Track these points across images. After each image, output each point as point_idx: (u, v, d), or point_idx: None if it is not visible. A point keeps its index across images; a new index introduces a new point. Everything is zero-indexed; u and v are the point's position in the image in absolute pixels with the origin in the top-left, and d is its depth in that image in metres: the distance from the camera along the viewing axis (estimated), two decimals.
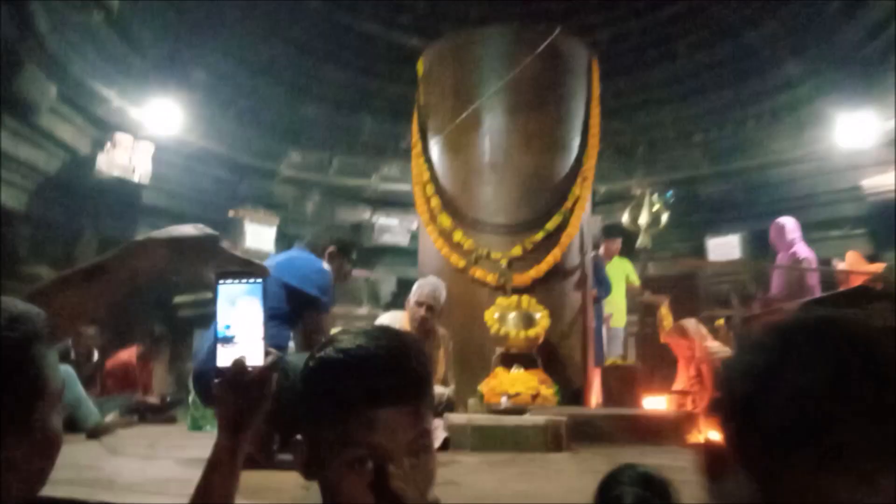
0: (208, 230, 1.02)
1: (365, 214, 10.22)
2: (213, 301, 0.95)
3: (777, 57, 7.95)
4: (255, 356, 0.96)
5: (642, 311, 6.42)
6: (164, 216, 8.23)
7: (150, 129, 7.46)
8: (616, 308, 6.71)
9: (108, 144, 7.16)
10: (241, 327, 0.96)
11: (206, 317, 6.93)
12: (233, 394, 0.96)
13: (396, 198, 10.11)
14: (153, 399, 5.66)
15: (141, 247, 0.99)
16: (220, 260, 1.00)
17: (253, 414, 0.98)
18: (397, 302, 9.88)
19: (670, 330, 6.24)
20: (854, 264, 6.72)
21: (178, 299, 8.20)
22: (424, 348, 0.91)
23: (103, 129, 7.23)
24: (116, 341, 6.74)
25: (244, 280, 0.97)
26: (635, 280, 6.88)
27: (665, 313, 6.82)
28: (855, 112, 7.20)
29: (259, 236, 8.59)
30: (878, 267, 6.50)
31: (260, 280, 0.97)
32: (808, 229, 6.71)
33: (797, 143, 8.21)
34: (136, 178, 7.38)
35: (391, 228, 10.18)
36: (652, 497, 1.52)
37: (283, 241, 9.15)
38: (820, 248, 6.66)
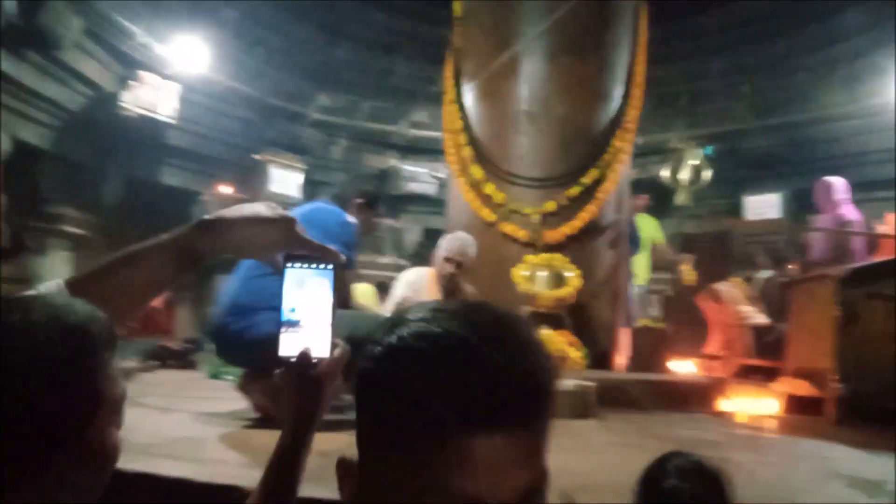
0: (283, 211, 0.92)
1: (392, 161, 10.03)
2: (280, 283, 0.88)
3: (836, 4, 7.46)
4: (322, 346, 0.88)
5: (671, 270, 6.20)
6: (189, 157, 8.14)
7: (176, 67, 7.28)
8: (639, 266, 6.50)
9: (134, 82, 7.00)
10: (307, 313, 0.88)
11: (228, 261, 6.90)
12: (297, 388, 0.91)
13: (425, 144, 9.88)
14: (174, 344, 5.62)
15: (209, 226, 0.89)
16: (294, 243, 0.90)
17: (318, 411, 0.93)
18: (422, 253, 9.74)
19: (703, 293, 6.05)
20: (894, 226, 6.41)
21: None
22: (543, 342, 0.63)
23: (129, 66, 7.07)
24: None
25: (314, 265, 0.89)
26: (661, 238, 6.65)
27: (686, 270, 6.63)
28: None
29: (285, 181, 8.47)
30: None
31: (331, 266, 0.89)
32: (856, 190, 6.37)
33: (850, 98, 7.78)
34: (161, 117, 7.23)
35: (419, 176, 9.98)
36: (708, 493, 1.37)
37: (309, 187, 9.03)
38: (867, 210, 6.34)
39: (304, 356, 0.87)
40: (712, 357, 5.90)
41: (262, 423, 2.67)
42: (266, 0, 8.05)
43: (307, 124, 9.30)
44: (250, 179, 8.39)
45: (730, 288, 5.69)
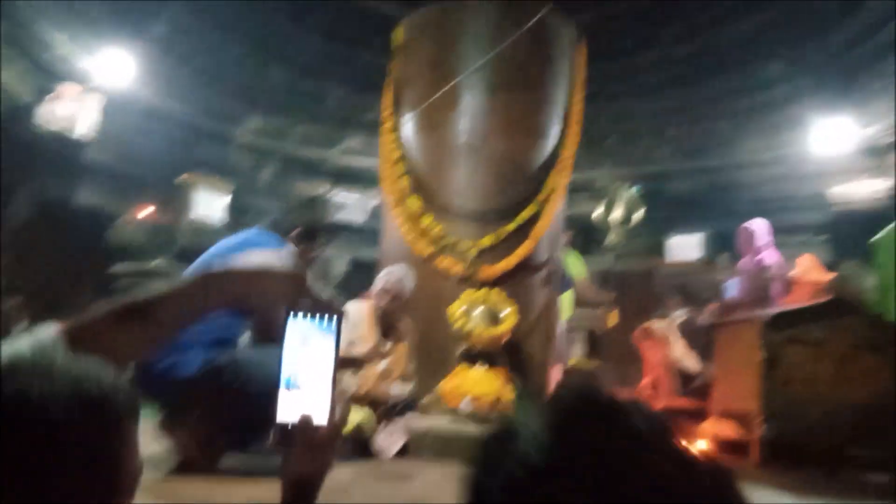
0: (293, 264, 0.89)
1: (323, 188, 9.85)
2: (280, 338, 0.84)
3: (759, 55, 7.82)
4: (322, 409, 0.85)
5: (594, 307, 6.27)
6: (108, 176, 7.74)
7: (99, 81, 6.94)
8: (564, 303, 6.55)
9: (52, 94, 6.63)
10: (308, 372, 0.85)
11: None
12: (298, 456, 0.87)
13: (357, 173, 9.77)
14: None
15: (218, 279, 0.86)
16: (300, 296, 0.87)
17: (319, 477, 0.89)
18: (349, 284, 9.56)
19: (638, 330, 6.14)
20: (809, 268, 6.69)
21: (116, 268, 7.74)
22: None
23: (48, 77, 6.70)
24: (46, 316, 6.27)
25: (317, 319, 0.85)
26: (582, 274, 6.73)
27: (608, 310, 6.73)
28: (832, 117, 7.15)
29: (210, 204, 8.16)
30: (828, 276, 6.51)
31: (336, 321, 0.86)
32: (775, 234, 6.64)
33: (770, 145, 8.16)
34: (79, 134, 6.87)
35: (349, 205, 9.83)
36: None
37: (235, 211, 8.74)
38: (785, 254, 6.60)
39: (306, 423, 0.82)
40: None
41: (185, 468, 2.48)
42: (199, 17, 7.80)
43: (235, 146, 9.03)
44: (173, 201, 8.06)
45: (665, 328, 5.78)
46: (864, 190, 6.97)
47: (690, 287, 7.90)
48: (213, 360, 2.39)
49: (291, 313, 0.84)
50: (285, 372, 0.84)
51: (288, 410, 0.83)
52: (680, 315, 6.70)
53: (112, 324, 0.80)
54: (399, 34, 5.29)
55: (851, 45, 6.98)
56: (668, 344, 5.67)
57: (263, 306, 0.86)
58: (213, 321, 2.55)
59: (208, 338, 2.45)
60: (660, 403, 5.65)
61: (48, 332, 0.75)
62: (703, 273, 7.71)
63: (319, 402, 0.84)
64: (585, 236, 7.39)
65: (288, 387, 0.84)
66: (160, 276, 7.56)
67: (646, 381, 6.05)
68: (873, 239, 4.93)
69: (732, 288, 6.82)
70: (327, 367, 0.85)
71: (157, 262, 7.68)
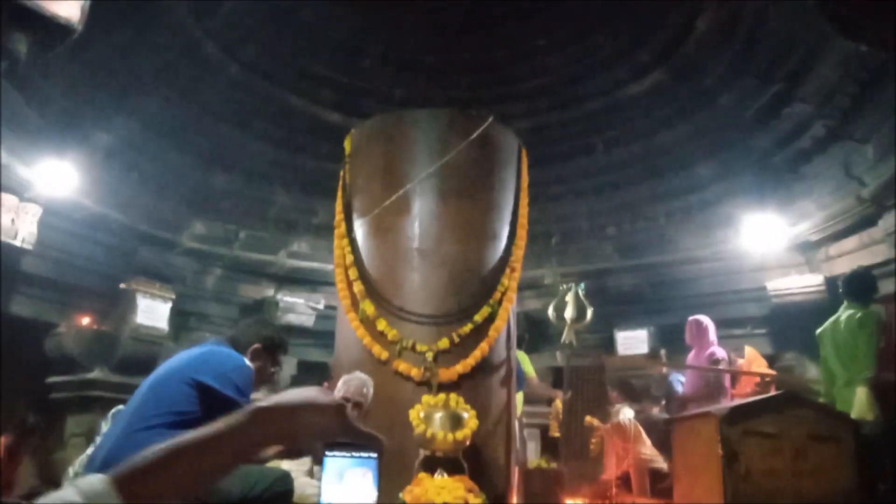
0: (335, 397, 0.89)
1: (269, 291, 9.74)
2: (321, 475, 0.86)
3: (689, 158, 8.27)
4: None
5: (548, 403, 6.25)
6: (45, 285, 7.49)
7: (39, 190, 6.82)
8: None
9: None
10: None
11: (83, 400, 6.16)
12: None
13: (304, 275, 9.71)
14: (14, 500, 4.90)
15: (267, 414, 0.85)
16: (345, 431, 0.88)
17: None
18: (297, 386, 9.32)
19: (610, 426, 6.11)
20: (752, 360, 6.88)
21: (52, 379, 7.38)
22: None
23: None
24: None
25: (357, 453, 0.87)
26: (531, 371, 6.75)
27: (559, 407, 6.71)
28: (762, 215, 7.54)
29: (153, 312, 7.93)
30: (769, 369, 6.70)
31: (375, 455, 0.88)
32: (714, 327, 6.83)
33: (705, 242, 8.50)
34: (17, 243, 6.66)
35: (295, 307, 9.71)
36: None
37: (178, 318, 8.52)
38: (723, 346, 6.77)
39: None
40: (608, 496, 5.87)
41: None
42: (143, 125, 7.83)
43: (179, 252, 8.89)
44: (114, 309, 7.81)
45: (636, 425, 5.79)
46: (799, 284, 7.28)
47: (629, 383, 8.03)
48: None
49: (329, 449, 0.85)
50: None
51: None
52: (621, 410, 6.74)
53: (163, 468, 0.78)
54: (349, 141, 5.41)
55: (774, 150, 7.47)
56: (639, 441, 5.67)
57: (309, 439, 0.86)
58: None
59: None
60: (632, 500, 5.58)
61: (97, 481, 0.72)
62: (648, 367, 7.82)
63: None
64: (537, 334, 7.44)
65: None
66: (98, 387, 7.22)
67: (610, 477, 5.98)
68: (819, 330, 5.11)
69: (677, 383, 6.94)
70: (367, 501, 0.84)
71: (96, 373, 7.36)
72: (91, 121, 7.33)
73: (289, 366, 9.47)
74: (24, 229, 6.72)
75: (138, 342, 7.62)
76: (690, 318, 6.45)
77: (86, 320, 7.69)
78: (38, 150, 6.74)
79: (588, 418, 6.20)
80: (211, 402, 2.52)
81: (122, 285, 7.91)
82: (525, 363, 6.72)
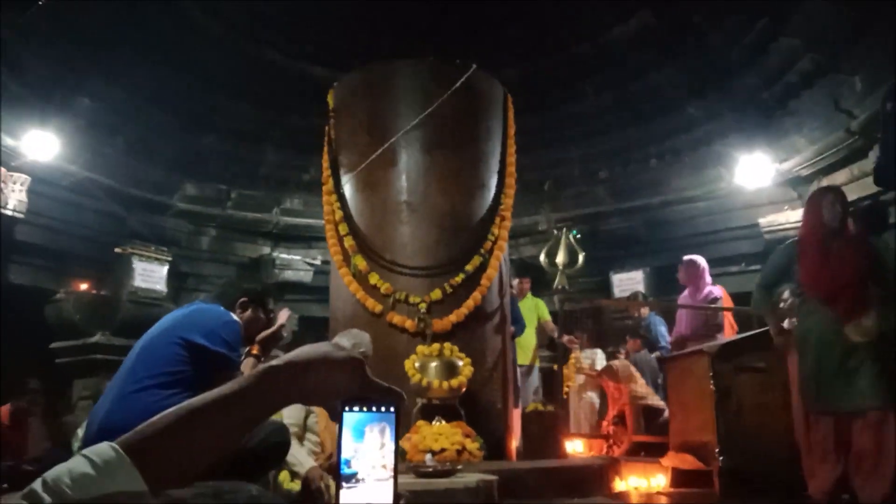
0: (352, 352, 0.86)
1: (265, 249, 9.77)
2: (339, 431, 0.83)
3: (678, 99, 8.19)
4: (385, 500, 0.82)
5: (560, 350, 6.31)
6: (40, 253, 7.51)
7: (25, 158, 6.78)
8: (528, 346, 6.60)
9: None
10: (368, 463, 0.83)
11: (88, 364, 6.21)
12: None
13: (298, 232, 9.72)
14: (28, 465, 5.00)
15: (279, 374, 0.81)
16: (363, 387, 0.84)
17: None
18: (299, 343, 9.41)
19: (602, 369, 6.20)
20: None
21: (55, 345, 7.47)
22: None
23: None
24: None
25: (375, 408, 0.84)
26: (546, 316, 6.80)
27: (577, 357, 6.79)
28: (751, 153, 7.50)
29: (150, 275, 7.96)
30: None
31: (393, 409, 0.84)
32: (710, 265, 6.87)
33: (697, 182, 8.48)
34: (8, 212, 6.66)
35: (293, 264, 9.75)
36: None
37: (176, 279, 8.56)
38: (719, 284, 6.82)
39: None
40: (606, 435, 6.01)
41: None
42: (125, 89, 7.72)
43: (172, 214, 8.89)
44: (111, 274, 7.84)
45: (626, 366, 5.88)
46: (792, 219, 7.28)
47: (622, 325, 8.12)
48: None
49: (346, 406, 0.83)
50: (344, 466, 0.82)
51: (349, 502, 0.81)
52: (594, 355, 6.83)
53: (173, 434, 0.76)
54: (332, 96, 5.36)
55: (762, 86, 7.39)
56: (632, 381, 5.76)
57: (326, 396, 0.84)
58: (166, 400, 2.50)
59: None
60: (627, 439, 5.72)
61: (108, 448, 0.71)
62: (632, 309, 7.84)
63: (381, 494, 0.82)
64: (534, 280, 7.49)
65: (347, 480, 0.82)
66: (101, 351, 7.31)
67: (609, 417, 6.12)
68: None
69: (659, 324, 6.97)
70: (388, 457, 0.83)
71: (97, 337, 7.44)
72: (72, 87, 7.24)
73: (290, 322, 9.53)
74: (13, 198, 6.71)
75: (138, 305, 7.67)
76: (685, 257, 6.47)
77: (84, 286, 7.73)
78: (22, 118, 6.67)
79: (574, 355, 6.29)
80: (201, 359, 2.55)
81: (118, 249, 7.92)
82: (542, 309, 6.78)
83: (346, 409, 0.83)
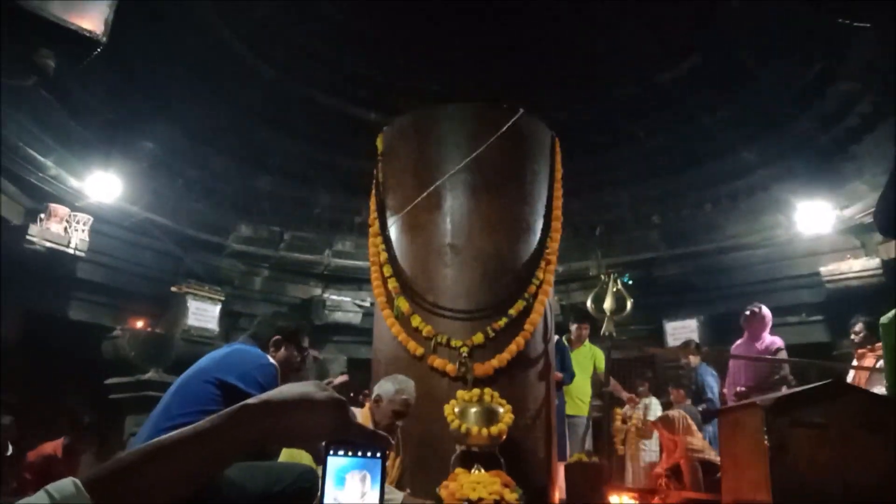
0: (334, 393, 0.83)
1: (316, 290, 9.89)
2: (322, 476, 0.80)
3: (732, 143, 8.04)
4: None
5: (607, 400, 6.15)
6: (99, 290, 7.77)
7: (89, 199, 7.07)
8: (582, 395, 6.44)
9: (42, 215, 6.74)
10: None
11: (140, 400, 6.32)
12: None
13: (349, 274, 9.83)
14: None
15: (255, 412, 0.80)
16: (344, 429, 0.82)
17: None
18: (347, 385, 9.43)
19: (658, 419, 6.00)
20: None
21: (110, 381, 7.65)
22: None
23: (38, 199, 6.82)
24: (39, 432, 6.15)
25: (361, 453, 0.81)
26: (602, 367, 6.64)
27: (625, 410, 6.58)
28: (811, 199, 7.28)
29: (203, 314, 8.15)
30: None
31: (379, 455, 0.81)
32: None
33: (754, 228, 8.26)
34: (70, 250, 6.93)
35: (342, 305, 9.84)
36: None
37: (228, 318, 8.72)
38: (777, 334, 6.57)
39: None
40: (652, 491, 5.78)
41: None
42: (185, 132, 8.02)
43: (226, 255, 9.10)
44: (166, 312, 8.05)
45: (684, 417, 5.68)
46: (855, 268, 7.01)
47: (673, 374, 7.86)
48: None
49: (331, 449, 0.80)
50: None
51: None
52: (650, 403, 6.60)
53: (138, 468, 0.74)
54: (381, 139, 5.43)
55: (821, 130, 7.20)
56: (689, 433, 5.56)
57: (306, 438, 0.82)
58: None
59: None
60: (676, 495, 5.48)
61: (69, 483, 0.70)
62: (684, 357, 7.60)
63: None
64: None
65: None
66: (154, 388, 7.46)
67: (662, 469, 5.89)
68: (885, 319, 4.84)
69: (708, 375, 6.73)
70: None
71: (150, 374, 7.61)
72: (134, 129, 7.56)
73: (338, 364, 9.61)
74: (76, 237, 6.98)
75: (190, 343, 7.84)
76: (750, 305, 6.29)
77: (139, 323, 7.95)
78: (86, 160, 6.99)
79: (617, 411, 6.11)
80: (235, 400, 2.55)
81: (173, 288, 8.15)
82: (598, 358, 6.62)
83: (331, 452, 0.80)
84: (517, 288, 4.75)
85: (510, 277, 4.79)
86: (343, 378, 3.06)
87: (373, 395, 3.80)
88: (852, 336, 5.97)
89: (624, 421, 6.40)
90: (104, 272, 7.72)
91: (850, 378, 5.79)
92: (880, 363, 5.38)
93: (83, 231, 7.04)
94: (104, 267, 7.68)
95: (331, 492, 0.79)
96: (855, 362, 5.82)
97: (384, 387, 3.78)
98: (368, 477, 0.79)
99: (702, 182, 8.62)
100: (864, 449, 4.02)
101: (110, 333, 7.78)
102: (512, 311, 4.63)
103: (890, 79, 6.12)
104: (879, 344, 5.92)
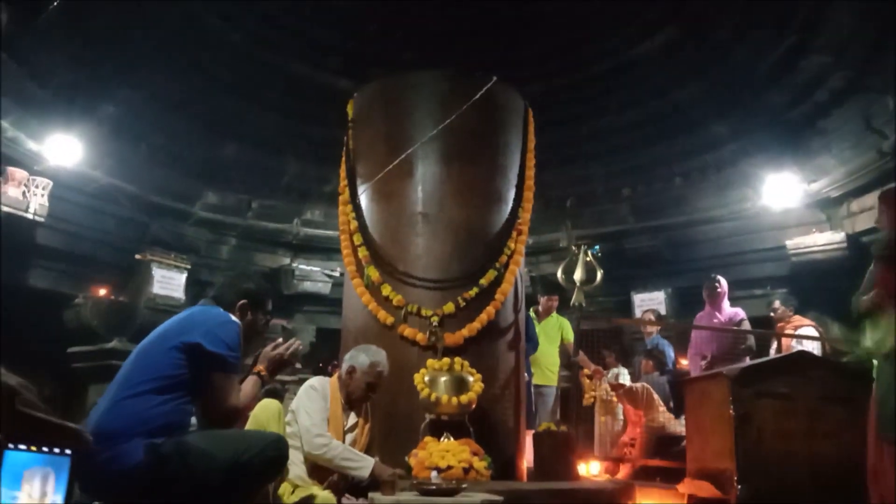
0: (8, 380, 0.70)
1: (285, 260, 9.78)
2: None
3: (703, 117, 8.06)
4: None
5: (575, 370, 6.18)
6: (61, 258, 7.57)
7: (48, 162, 6.85)
8: (551, 365, 6.48)
9: (0, 178, 6.53)
10: None
11: (103, 370, 6.21)
12: None
13: (318, 243, 9.73)
14: None
15: None
16: (10, 420, 0.67)
17: None
18: (315, 354, 9.38)
19: (622, 392, 6.07)
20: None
21: (72, 350, 7.50)
22: None
23: None
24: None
25: (47, 448, 0.67)
26: (569, 337, 6.68)
27: (592, 383, 6.64)
28: (779, 173, 7.35)
29: (169, 282, 8.01)
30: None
31: (69, 453, 0.66)
32: (732, 288, 6.73)
33: (723, 202, 8.33)
34: (30, 215, 6.72)
35: (311, 275, 9.76)
36: None
37: (195, 287, 8.58)
38: (744, 307, 6.67)
39: None
40: (618, 459, 5.87)
41: None
42: (149, 97, 7.80)
43: (192, 222, 8.93)
44: (130, 280, 7.89)
45: (648, 392, 5.75)
46: (820, 241, 7.11)
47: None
48: (158, 447, 2.25)
49: (9, 443, 0.66)
50: None
51: None
52: (616, 372, 6.67)
53: None
54: (352, 106, 5.33)
55: (791, 105, 7.24)
56: (651, 407, 5.63)
57: None
58: (161, 406, 2.44)
59: (154, 425, 2.32)
60: (640, 462, 5.56)
61: None
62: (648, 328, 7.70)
63: None
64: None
65: None
66: (117, 357, 7.34)
67: (625, 439, 5.97)
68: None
69: (665, 345, 6.87)
70: None
71: (114, 343, 7.47)
72: (96, 93, 7.32)
73: (307, 333, 9.55)
74: (35, 202, 6.77)
75: (155, 312, 7.70)
76: (712, 276, 6.44)
77: (103, 291, 7.78)
78: (45, 123, 6.76)
79: (585, 380, 6.17)
80: (199, 361, 2.49)
81: (138, 256, 7.98)
82: (566, 329, 6.66)
83: (9, 446, 0.68)
84: (488, 258, 4.72)
85: (481, 247, 4.75)
86: (294, 343, 2.96)
87: (345, 366, 3.77)
88: (771, 313, 6.62)
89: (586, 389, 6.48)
90: (65, 238, 7.52)
91: (773, 350, 6.35)
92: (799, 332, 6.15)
93: (42, 196, 6.83)
94: (65, 233, 7.48)
95: (6, 492, 0.67)
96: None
97: (358, 358, 3.74)
98: (52, 476, 0.68)
99: (672, 156, 8.66)
100: (828, 419, 4.11)
101: (72, 302, 7.61)
102: (483, 281, 4.61)
103: (861, 53, 6.16)
104: (796, 317, 6.26)
